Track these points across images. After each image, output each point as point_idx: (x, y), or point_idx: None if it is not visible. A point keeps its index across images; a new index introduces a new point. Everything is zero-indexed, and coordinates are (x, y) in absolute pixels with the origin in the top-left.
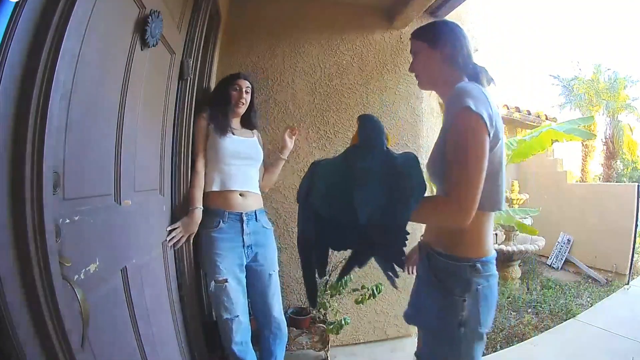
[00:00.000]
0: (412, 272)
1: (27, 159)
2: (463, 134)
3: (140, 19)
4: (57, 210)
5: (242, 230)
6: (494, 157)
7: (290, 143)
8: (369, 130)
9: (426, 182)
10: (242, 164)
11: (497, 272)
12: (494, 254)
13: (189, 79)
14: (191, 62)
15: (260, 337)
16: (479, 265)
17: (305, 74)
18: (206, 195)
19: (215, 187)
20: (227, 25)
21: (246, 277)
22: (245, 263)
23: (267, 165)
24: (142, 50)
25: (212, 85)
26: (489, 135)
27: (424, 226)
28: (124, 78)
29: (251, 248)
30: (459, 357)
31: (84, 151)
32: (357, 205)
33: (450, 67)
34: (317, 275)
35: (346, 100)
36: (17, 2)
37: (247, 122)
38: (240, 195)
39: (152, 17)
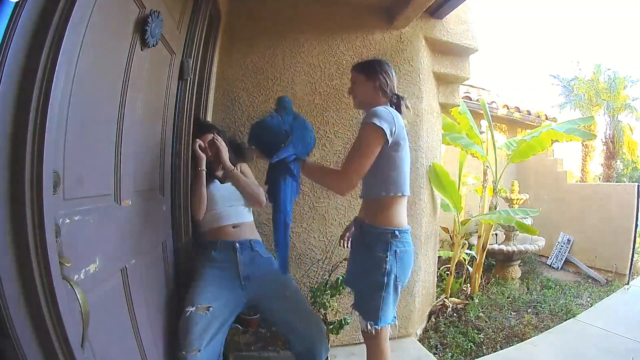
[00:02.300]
0: (346, 246)
1: (27, 159)
2: (362, 136)
3: (140, 19)
4: (57, 210)
5: (237, 259)
6: (397, 156)
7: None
8: (282, 103)
9: (314, 137)
10: (231, 204)
11: (412, 243)
12: (408, 227)
13: (189, 79)
14: (191, 62)
15: None
16: (396, 232)
17: (305, 74)
18: (201, 234)
19: (209, 227)
20: (227, 25)
21: (261, 310)
22: (245, 300)
23: None
24: (142, 50)
25: (212, 86)
26: (388, 141)
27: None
28: (124, 78)
29: (249, 279)
30: (381, 300)
31: (84, 151)
32: (275, 138)
33: (378, 95)
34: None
35: (346, 100)
36: (17, 2)
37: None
38: (233, 227)
39: (152, 17)
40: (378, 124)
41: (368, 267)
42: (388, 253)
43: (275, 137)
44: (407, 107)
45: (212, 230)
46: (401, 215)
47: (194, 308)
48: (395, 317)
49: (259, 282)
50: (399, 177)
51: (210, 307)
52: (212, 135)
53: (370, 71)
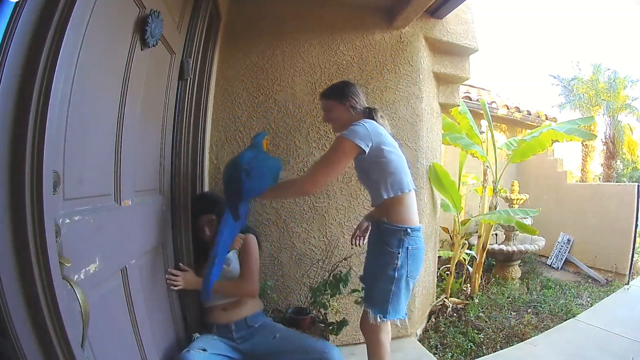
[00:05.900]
0: (358, 245)
1: (27, 158)
2: (334, 146)
3: (140, 19)
4: (57, 210)
5: (233, 337)
6: (386, 161)
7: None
8: (256, 140)
9: (277, 164)
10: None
11: (424, 242)
12: (419, 225)
13: (189, 79)
14: (191, 62)
15: None
16: (409, 229)
17: (305, 74)
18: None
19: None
20: (227, 25)
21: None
22: (240, 347)
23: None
24: (142, 50)
25: (212, 85)
26: (364, 151)
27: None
28: (124, 78)
29: (245, 338)
30: (390, 294)
31: (84, 151)
32: (243, 173)
33: (353, 113)
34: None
35: None
36: (17, 2)
37: None
38: (223, 309)
39: (152, 17)
40: (350, 137)
41: (381, 262)
42: (400, 249)
43: (235, 192)
44: (382, 116)
45: (207, 310)
46: (412, 212)
47: (188, 350)
48: (406, 313)
49: (251, 338)
50: (395, 178)
51: (205, 349)
52: (210, 215)
53: (339, 94)
